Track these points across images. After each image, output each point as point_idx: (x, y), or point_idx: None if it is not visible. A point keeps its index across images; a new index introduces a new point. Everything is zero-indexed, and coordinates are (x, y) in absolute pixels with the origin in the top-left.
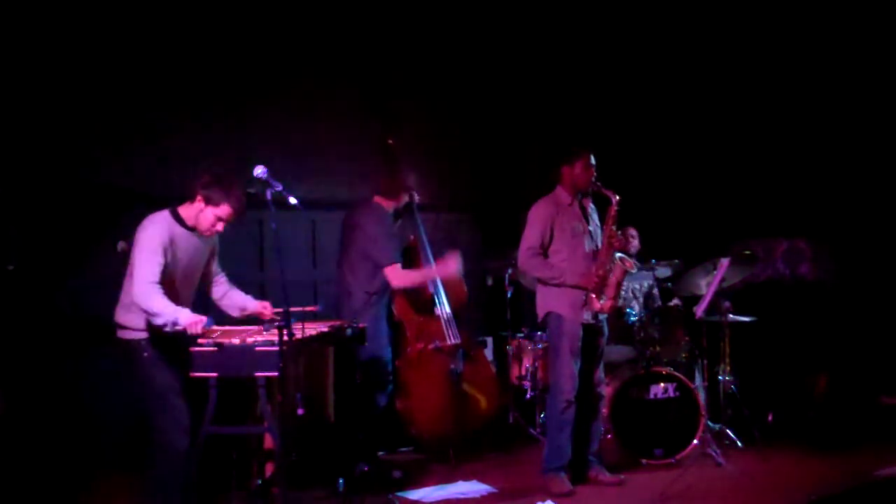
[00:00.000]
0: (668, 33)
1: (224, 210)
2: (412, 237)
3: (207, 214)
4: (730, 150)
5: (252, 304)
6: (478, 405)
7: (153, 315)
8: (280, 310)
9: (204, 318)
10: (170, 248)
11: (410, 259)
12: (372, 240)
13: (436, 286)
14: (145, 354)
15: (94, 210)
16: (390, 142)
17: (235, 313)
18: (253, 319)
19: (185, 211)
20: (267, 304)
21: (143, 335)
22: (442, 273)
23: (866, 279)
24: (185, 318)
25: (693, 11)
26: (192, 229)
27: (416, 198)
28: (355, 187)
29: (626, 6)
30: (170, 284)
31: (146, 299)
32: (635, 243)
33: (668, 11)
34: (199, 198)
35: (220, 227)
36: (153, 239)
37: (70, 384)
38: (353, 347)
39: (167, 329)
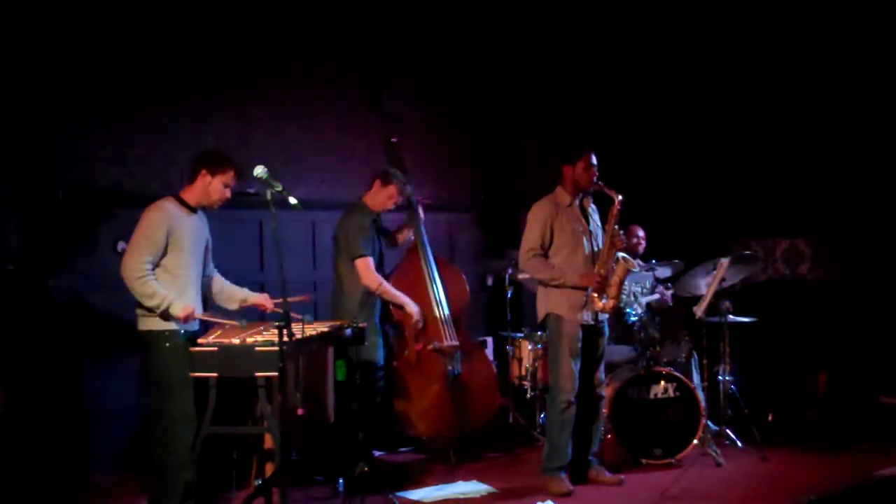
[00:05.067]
0: (669, 33)
1: (228, 175)
2: (412, 237)
3: (216, 184)
4: (731, 150)
5: (252, 296)
6: (477, 406)
7: (146, 297)
8: (280, 300)
9: (192, 307)
10: (173, 230)
11: (409, 260)
12: (345, 234)
13: (436, 287)
14: (167, 345)
15: (94, 211)
16: (393, 140)
17: (234, 306)
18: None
19: (188, 193)
20: (266, 295)
21: (167, 326)
22: (411, 309)
23: (866, 279)
24: (177, 307)
25: (694, 11)
26: (194, 210)
27: (416, 197)
28: (355, 187)
29: (627, 6)
30: (182, 266)
31: (136, 279)
32: (643, 245)
33: (670, 11)
34: (202, 173)
35: (227, 193)
36: (153, 223)
37: (69, 384)
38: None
39: (158, 313)
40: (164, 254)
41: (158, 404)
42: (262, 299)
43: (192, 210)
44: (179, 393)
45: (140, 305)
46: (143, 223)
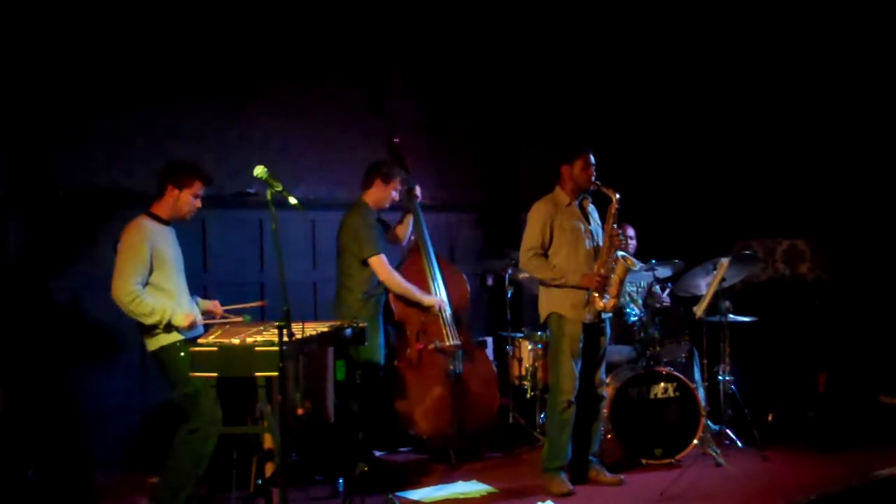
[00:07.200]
0: (668, 33)
1: (197, 186)
2: (413, 237)
3: (185, 197)
4: (730, 149)
5: (203, 303)
6: (477, 406)
7: (144, 315)
8: (236, 306)
9: (193, 315)
10: (155, 246)
11: (411, 259)
12: (353, 234)
13: (437, 287)
14: (181, 354)
15: (94, 211)
16: (396, 140)
17: None
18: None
19: (159, 208)
20: (216, 302)
21: (175, 338)
22: (430, 301)
23: (866, 279)
24: (179, 317)
25: (693, 11)
26: (167, 223)
27: (419, 194)
28: (355, 187)
29: (626, 7)
30: (170, 280)
31: (130, 301)
32: (632, 244)
33: (669, 11)
34: (169, 188)
35: (198, 203)
36: (135, 242)
37: (69, 384)
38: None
39: (161, 327)
40: (151, 271)
41: (188, 411)
42: (211, 305)
43: (166, 223)
44: (205, 397)
45: (142, 329)
46: (124, 245)
